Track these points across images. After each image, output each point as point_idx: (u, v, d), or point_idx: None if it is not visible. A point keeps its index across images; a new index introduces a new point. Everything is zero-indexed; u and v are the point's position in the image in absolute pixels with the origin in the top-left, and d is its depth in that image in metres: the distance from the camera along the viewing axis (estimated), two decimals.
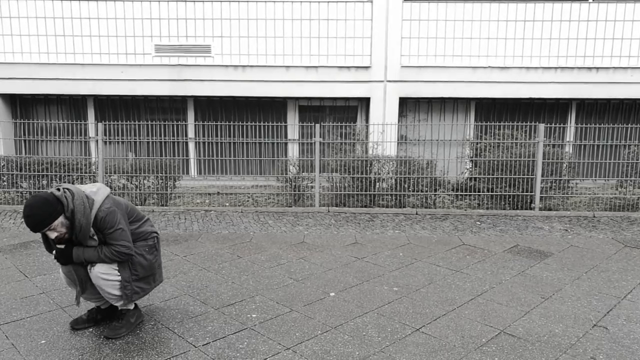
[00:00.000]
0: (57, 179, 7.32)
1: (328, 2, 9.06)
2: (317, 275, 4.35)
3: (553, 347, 3.05)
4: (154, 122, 8.08)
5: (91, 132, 9.70)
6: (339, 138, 8.67)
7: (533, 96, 9.34)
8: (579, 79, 9.24)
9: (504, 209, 7.34)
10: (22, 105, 9.72)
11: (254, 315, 3.48)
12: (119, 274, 3.03)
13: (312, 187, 7.61)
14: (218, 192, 7.99)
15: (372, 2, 9.06)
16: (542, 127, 7.17)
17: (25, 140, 9.47)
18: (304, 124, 8.95)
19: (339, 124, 8.47)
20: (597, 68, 9.22)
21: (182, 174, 8.21)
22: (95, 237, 2.95)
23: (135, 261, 3.09)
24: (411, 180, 7.40)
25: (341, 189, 7.52)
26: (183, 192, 8.12)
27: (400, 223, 6.47)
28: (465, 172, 7.94)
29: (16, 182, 7.50)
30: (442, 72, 9.21)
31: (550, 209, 7.34)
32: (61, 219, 2.81)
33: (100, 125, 7.34)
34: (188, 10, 9.03)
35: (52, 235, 2.82)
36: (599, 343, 3.11)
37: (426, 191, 7.42)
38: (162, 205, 7.52)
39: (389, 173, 7.44)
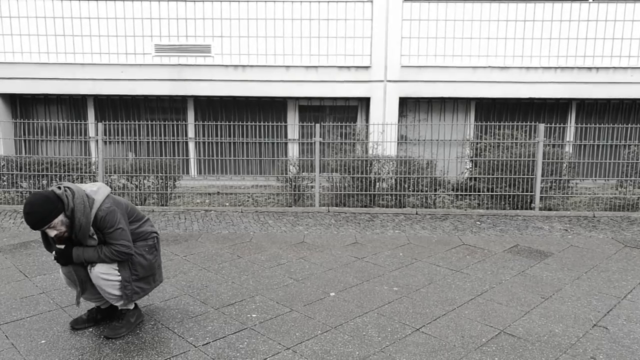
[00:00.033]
0: (57, 179, 7.32)
1: (328, 2, 9.06)
2: (317, 275, 4.35)
3: (553, 347, 3.05)
4: (154, 122, 8.08)
5: (91, 132, 9.69)
6: (339, 138, 8.66)
7: (533, 96, 9.34)
8: (579, 79, 9.24)
9: (504, 209, 7.34)
10: (22, 105, 9.72)
11: (254, 315, 3.48)
12: (119, 274, 3.03)
13: (312, 187, 7.61)
14: (218, 192, 7.99)
15: (372, 2, 9.06)
16: (542, 127, 7.17)
17: (25, 140, 9.46)
18: (304, 123, 8.95)
19: (339, 123, 8.47)
20: (597, 68, 9.22)
21: (182, 174, 8.21)
22: (95, 237, 2.95)
23: (135, 261, 3.09)
24: (411, 180, 7.40)
25: (341, 188, 7.52)
26: (183, 192, 8.12)
27: (400, 223, 6.47)
28: (465, 172, 7.94)
29: (16, 182, 7.50)
30: (442, 72, 9.21)
31: (550, 209, 7.34)
32: (61, 217, 2.81)
33: (100, 125, 7.34)
34: (188, 10, 9.02)
35: (52, 233, 2.82)
36: (599, 343, 3.11)
37: (426, 191, 7.42)
38: (162, 205, 7.52)
39: (389, 173, 7.44)
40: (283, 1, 9.04)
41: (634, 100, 9.77)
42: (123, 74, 9.11)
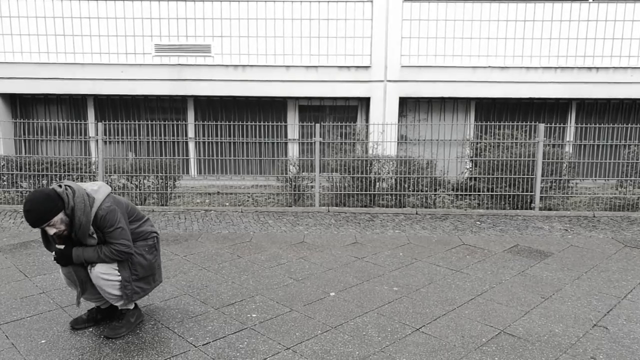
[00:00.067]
0: (57, 179, 7.32)
1: (328, 2, 9.06)
2: (317, 275, 4.35)
3: (553, 347, 3.05)
4: (154, 122, 8.07)
5: (91, 132, 9.69)
6: (339, 138, 8.66)
7: (533, 96, 9.34)
8: (579, 79, 9.24)
9: (504, 209, 7.34)
10: (22, 105, 9.72)
11: (254, 315, 3.48)
12: (119, 274, 3.03)
13: (312, 186, 7.61)
14: (218, 192, 7.99)
15: (372, 2, 9.06)
16: (542, 127, 7.17)
17: (25, 140, 9.46)
18: (304, 123, 8.95)
19: (339, 123, 8.47)
20: (597, 68, 9.22)
21: (182, 174, 8.21)
22: (95, 236, 2.95)
23: (135, 261, 3.09)
24: (411, 180, 7.40)
25: (341, 188, 7.52)
26: (183, 192, 8.12)
27: (400, 223, 6.47)
28: (465, 172, 7.94)
29: (16, 182, 7.50)
30: (442, 72, 9.21)
31: (550, 209, 7.34)
32: (61, 215, 2.81)
33: (100, 124, 7.34)
34: (188, 10, 9.02)
35: (51, 231, 2.82)
36: (599, 343, 3.11)
37: (426, 191, 7.42)
38: (162, 205, 7.52)
39: (389, 173, 7.43)
40: (283, 1, 9.04)
41: (634, 100, 9.77)
42: (123, 73, 9.11)
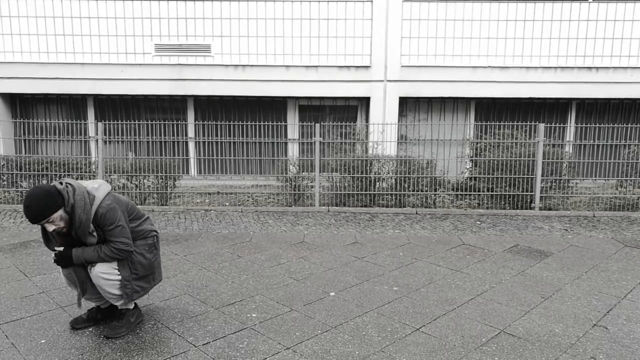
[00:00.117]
0: (57, 179, 7.32)
1: (328, 2, 9.05)
2: (317, 274, 4.35)
3: (553, 346, 3.05)
4: (154, 122, 8.07)
5: (91, 132, 9.69)
6: (339, 138, 8.66)
7: (533, 96, 9.34)
8: (579, 79, 9.24)
9: (504, 209, 7.34)
10: (22, 105, 9.72)
11: (254, 315, 3.48)
12: (119, 273, 3.03)
13: (312, 186, 7.61)
14: (218, 192, 7.99)
15: (372, 1, 9.06)
16: (542, 126, 7.17)
17: (25, 140, 9.46)
18: (304, 123, 8.95)
19: (339, 123, 8.47)
20: (597, 68, 9.22)
21: (182, 174, 8.20)
22: (95, 234, 2.95)
23: (135, 260, 3.09)
24: (411, 180, 7.40)
25: (341, 188, 7.51)
26: (183, 192, 8.11)
27: (400, 223, 6.47)
28: (465, 172, 7.94)
29: (16, 182, 7.50)
30: (442, 72, 9.21)
31: (550, 209, 7.34)
32: (61, 212, 2.81)
33: (100, 124, 7.34)
34: (188, 9, 9.02)
35: (50, 228, 2.82)
36: (599, 343, 3.11)
37: (426, 191, 7.42)
38: (162, 204, 7.52)
39: (389, 173, 7.43)
40: (283, 1, 9.04)
41: (634, 100, 9.77)
42: (123, 73, 9.11)
